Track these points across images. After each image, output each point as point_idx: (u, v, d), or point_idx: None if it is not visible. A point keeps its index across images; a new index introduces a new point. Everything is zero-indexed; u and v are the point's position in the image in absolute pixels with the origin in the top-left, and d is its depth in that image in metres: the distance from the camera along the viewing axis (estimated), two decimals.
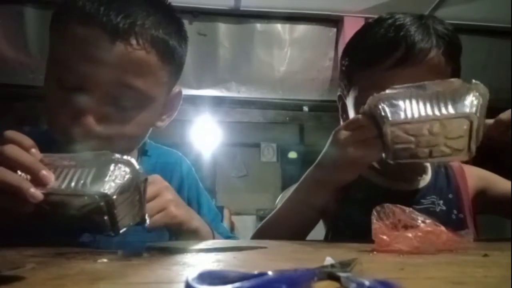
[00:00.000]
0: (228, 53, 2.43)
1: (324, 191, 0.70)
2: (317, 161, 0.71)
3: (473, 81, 0.61)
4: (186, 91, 2.40)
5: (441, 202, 0.80)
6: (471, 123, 0.59)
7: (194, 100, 2.52)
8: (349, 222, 0.78)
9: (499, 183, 0.84)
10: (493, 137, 0.61)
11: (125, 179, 0.52)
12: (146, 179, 0.54)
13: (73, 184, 0.51)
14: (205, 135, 3.52)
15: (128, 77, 0.60)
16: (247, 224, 4.72)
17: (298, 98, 2.64)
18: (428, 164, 0.83)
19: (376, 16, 0.78)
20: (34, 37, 2.21)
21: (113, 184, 0.50)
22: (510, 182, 0.83)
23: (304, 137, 3.86)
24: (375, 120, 0.62)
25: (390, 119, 0.60)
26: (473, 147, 0.59)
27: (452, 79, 0.63)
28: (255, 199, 4.80)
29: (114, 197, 0.50)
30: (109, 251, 0.55)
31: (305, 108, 2.71)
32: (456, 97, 0.60)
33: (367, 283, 0.24)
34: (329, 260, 0.36)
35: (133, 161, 0.53)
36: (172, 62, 0.67)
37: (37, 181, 0.50)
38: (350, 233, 0.76)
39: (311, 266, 0.31)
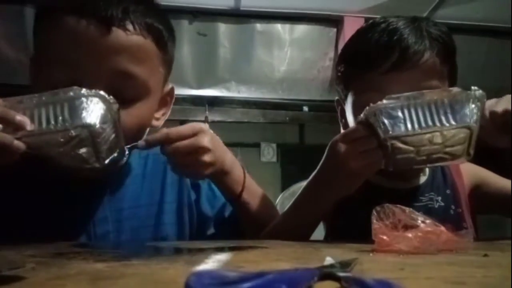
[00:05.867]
0: (228, 53, 2.43)
1: (327, 202, 0.70)
2: (315, 173, 0.70)
3: (472, 87, 0.61)
4: (186, 91, 2.42)
5: (439, 198, 0.80)
6: (471, 131, 0.59)
7: (194, 100, 2.52)
8: (348, 222, 0.78)
9: (493, 180, 0.86)
10: (486, 131, 0.61)
11: (101, 109, 0.54)
12: (118, 109, 0.56)
13: (52, 121, 0.52)
14: None
15: (127, 64, 0.60)
16: None
17: (298, 98, 2.64)
18: None
19: (376, 16, 0.78)
20: None
21: (92, 115, 0.53)
22: (505, 179, 0.84)
23: (304, 137, 3.86)
24: (372, 129, 0.61)
25: (390, 132, 0.59)
26: (471, 152, 0.61)
27: (451, 88, 0.63)
28: None
29: (97, 126, 0.53)
30: (109, 251, 0.56)
31: (305, 108, 2.71)
32: (455, 106, 0.60)
33: (367, 283, 0.24)
34: (329, 260, 0.36)
35: (103, 93, 0.55)
36: (166, 52, 0.67)
37: (14, 127, 0.50)
38: (350, 233, 0.76)
39: (311, 266, 0.31)
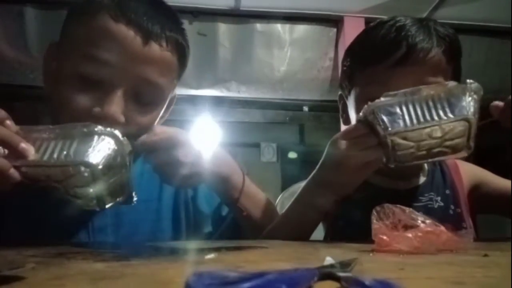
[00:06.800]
0: (228, 53, 2.42)
1: (326, 201, 0.70)
2: (315, 172, 0.70)
3: (467, 80, 0.62)
4: (186, 91, 2.42)
5: (439, 198, 0.80)
6: (470, 124, 0.60)
7: (194, 100, 2.52)
8: (348, 222, 0.78)
9: (492, 180, 0.86)
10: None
11: (110, 150, 0.51)
12: (131, 151, 0.53)
13: (55, 155, 0.50)
14: (205, 135, 3.51)
15: (153, 74, 0.65)
16: None
17: (298, 98, 2.64)
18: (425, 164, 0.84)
19: (376, 16, 0.78)
20: (34, 37, 2.20)
21: (98, 155, 0.50)
22: (504, 179, 0.84)
23: (304, 137, 3.86)
24: (372, 127, 0.62)
25: (389, 129, 0.60)
26: (472, 144, 0.61)
27: (446, 82, 0.64)
28: None
29: (100, 167, 0.49)
30: (109, 251, 0.56)
31: (305, 108, 2.71)
32: (452, 100, 0.60)
33: (367, 283, 0.24)
34: (329, 260, 0.36)
35: (117, 132, 0.53)
36: (183, 66, 0.73)
37: (17, 154, 0.49)
38: (350, 233, 0.76)
39: (311, 266, 0.31)
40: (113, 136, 0.52)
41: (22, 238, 0.65)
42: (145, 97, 0.66)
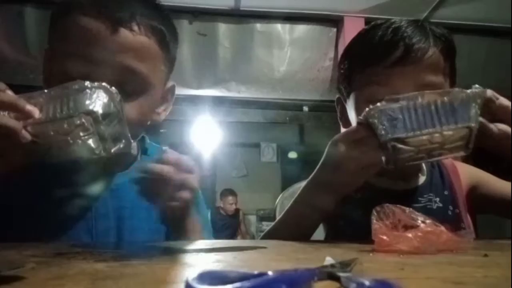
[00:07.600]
0: (228, 53, 2.43)
1: (326, 202, 0.70)
2: (315, 172, 0.70)
3: (474, 86, 0.62)
4: (186, 91, 2.43)
5: (438, 199, 0.80)
6: (471, 130, 0.60)
7: (194, 100, 2.52)
8: (349, 222, 0.78)
9: (490, 181, 0.86)
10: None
11: (105, 99, 0.57)
12: (121, 100, 0.59)
13: (58, 111, 0.55)
14: (205, 135, 3.53)
15: (132, 60, 0.65)
16: None
17: (298, 98, 2.64)
18: (423, 164, 0.84)
19: (376, 16, 0.78)
20: (34, 37, 2.21)
21: (95, 104, 0.56)
22: (501, 181, 0.85)
23: (304, 137, 3.87)
24: (372, 130, 0.61)
25: (389, 135, 0.59)
26: (471, 146, 0.62)
27: (451, 89, 0.64)
28: (255, 199, 4.79)
29: (100, 112, 0.55)
30: (109, 251, 0.56)
31: (305, 108, 2.71)
32: (456, 106, 0.60)
33: (367, 283, 0.24)
34: (329, 260, 0.36)
35: (105, 84, 0.58)
36: (168, 53, 0.72)
37: (24, 115, 0.54)
38: (350, 233, 0.76)
39: (311, 266, 0.31)
40: (103, 88, 0.57)
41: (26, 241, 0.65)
42: (130, 86, 0.66)
